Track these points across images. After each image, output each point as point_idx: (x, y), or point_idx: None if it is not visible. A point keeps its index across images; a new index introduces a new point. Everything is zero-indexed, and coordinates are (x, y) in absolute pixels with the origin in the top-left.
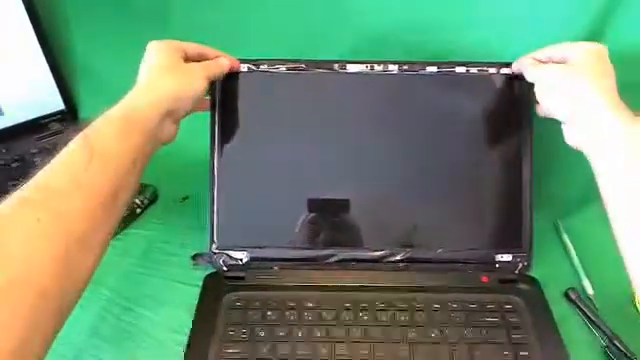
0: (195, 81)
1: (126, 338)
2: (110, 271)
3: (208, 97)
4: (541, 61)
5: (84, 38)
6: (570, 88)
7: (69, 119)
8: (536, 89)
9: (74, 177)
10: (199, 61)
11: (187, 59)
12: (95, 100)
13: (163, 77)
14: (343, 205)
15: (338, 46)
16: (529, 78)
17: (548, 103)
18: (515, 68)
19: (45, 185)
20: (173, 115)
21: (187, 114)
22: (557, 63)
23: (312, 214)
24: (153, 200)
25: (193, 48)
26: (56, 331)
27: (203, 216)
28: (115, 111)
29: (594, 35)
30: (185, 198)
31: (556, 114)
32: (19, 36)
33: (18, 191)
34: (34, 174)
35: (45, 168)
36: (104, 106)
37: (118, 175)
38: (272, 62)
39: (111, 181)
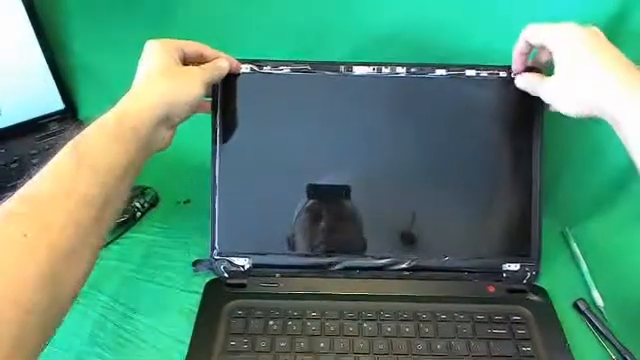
0: (192, 86)
1: (125, 347)
2: (109, 277)
3: (209, 99)
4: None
5: (84, 36)
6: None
7: (69, 119)
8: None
9: (62, 187)
10: (198, 62)
11: (185, 59)
12: (95, 99)
13: (158, 82)
14: (348, 210)
15: (342, 46)
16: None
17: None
18: (521, 85)
19: (32, 197)
20: (168, 121)
21: (184, 120)
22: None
23: (313, 211)
24: (154, 203)
25: (192, 48)
26: (44, 343)
27: (205, 220)
28: (107, 117)
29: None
30: (187, 201)
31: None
32: (17, 34)
33: (5, 202)
34: (30, 177)
35: (33, 178)
36: (104, 105)
37: (108, 184)
38: (276, 63)
39: (101, 191)
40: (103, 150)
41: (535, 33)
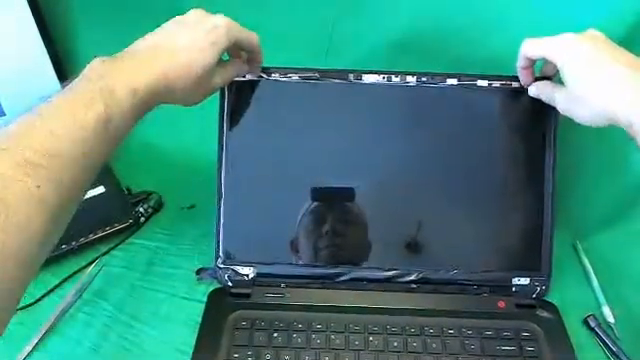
0: (202, 96)
1: (127, 357)
2: (113, 284)
3: None
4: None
5: (89, 34)
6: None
7: None
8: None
9: (86, 151)
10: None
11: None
12: None
13: (173, 92)
14: (355, 219)
15: (353, 52)
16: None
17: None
18: (534, 92)
19: (56, 153)
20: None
21: None
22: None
23: (317, 217)
24: (158, 209)
25: (248, 43)
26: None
27: (210, 226)
28: (143, 87)
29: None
30: (191, 207)
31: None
32: (21, 32)
33: (25, 148)
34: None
35: (60, 126)
36: None
37: (115, 148)
38: (284, 70)
39: (109, 153)
40: (128, 121)
41: (533, 47)
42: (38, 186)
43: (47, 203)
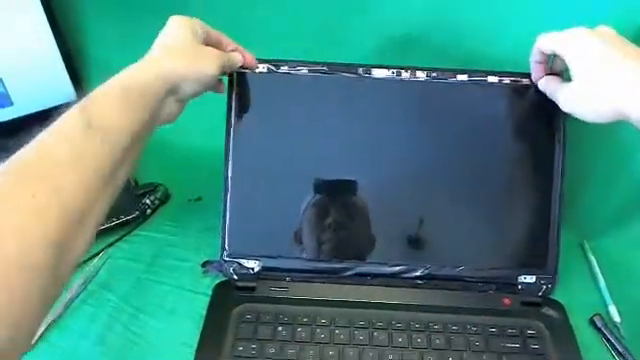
0: (207, 65)
1: (132, 349)
2: (118, 276)
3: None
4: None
5: (98, 27)
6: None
7: None
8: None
9: (73, 150)
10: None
11: (205, 41)
12: None
13: (174, 53)
14: (361, 213)
15: (362, 47)
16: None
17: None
18: (542, 86)
19: (43, 156)
20: (177, 93)
21: (194, 96)
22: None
23: (322, 210)
24: (164, 201)
25: (214, 32)
26: (45, 312)
27: (216, 219)
28: (115, 80)
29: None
30: (198, 199)
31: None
32: (31, 23)
33: (14, 160)
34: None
35: (42, 136)
36: None
37: (117, 149)
38: (293, 64)
39: (110, 154)
40: (111, 113)
41: (546, 41)
42: (33, 195)
43: (45, 211)
